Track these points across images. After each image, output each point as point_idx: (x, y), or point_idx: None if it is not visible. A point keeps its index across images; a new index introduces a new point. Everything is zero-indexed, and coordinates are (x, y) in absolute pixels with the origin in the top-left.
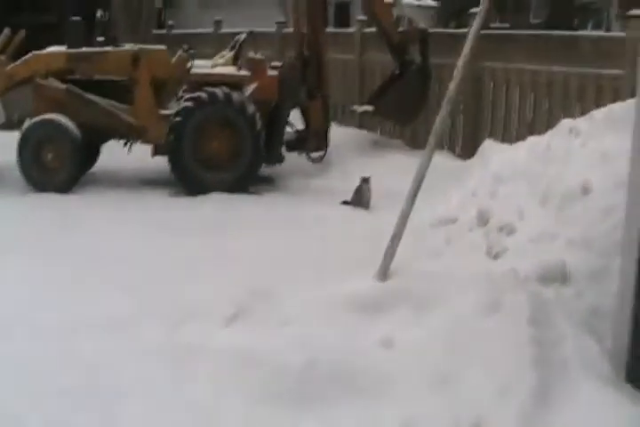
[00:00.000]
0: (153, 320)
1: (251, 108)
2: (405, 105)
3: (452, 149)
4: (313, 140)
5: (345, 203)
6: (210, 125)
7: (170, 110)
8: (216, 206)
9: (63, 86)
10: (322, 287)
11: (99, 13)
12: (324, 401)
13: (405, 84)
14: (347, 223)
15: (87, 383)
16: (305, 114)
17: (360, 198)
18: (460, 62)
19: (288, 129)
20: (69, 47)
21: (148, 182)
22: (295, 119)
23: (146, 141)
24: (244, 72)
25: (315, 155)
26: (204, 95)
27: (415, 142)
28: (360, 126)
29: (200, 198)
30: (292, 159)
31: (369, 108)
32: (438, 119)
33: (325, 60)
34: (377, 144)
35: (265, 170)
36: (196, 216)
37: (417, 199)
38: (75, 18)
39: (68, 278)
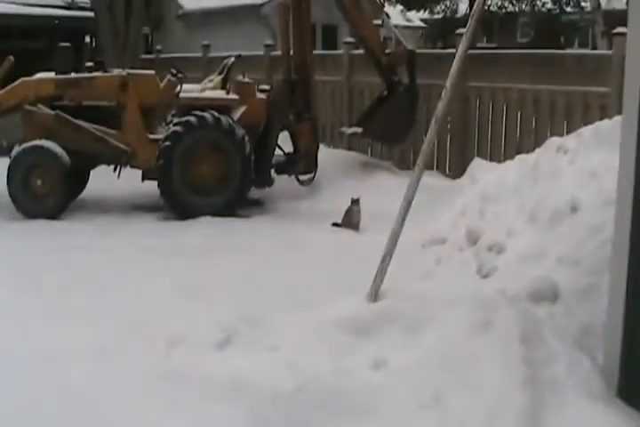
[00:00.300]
0: (140, 346)
1: (240, 132)
2: (393, 126)
3: (441, 169)
4: (302, 163)
5: (335, 225)
6: (199, 149)
7: (159, 135)
8: (205, 231)
9: (52, 112)
10: (312, 310)
11: (87, 39)
12: None
13: (393, 105)
14: (337, 245)
15: (71, 411)
16: (294, 136)
17: (350, 220)
18: (448, 83)
19: (277, 152)
20: (58, 73)
21: (138, 207)
22: (284, 142)
23: (135, 166)
24: (232, 96)
25: (304, 177)
26: (193, 119)
27: (404, 163)
28: (349, 148)
29: (189, 223)
30: (282, 182)
31: (357, 129)
32: (427, 139)
33: (313, 83)
34: (366, 166)
35: (254, 193)
36: (186, 241)
37: (407, 220)
38: (63, 44)
39: (56, 304)
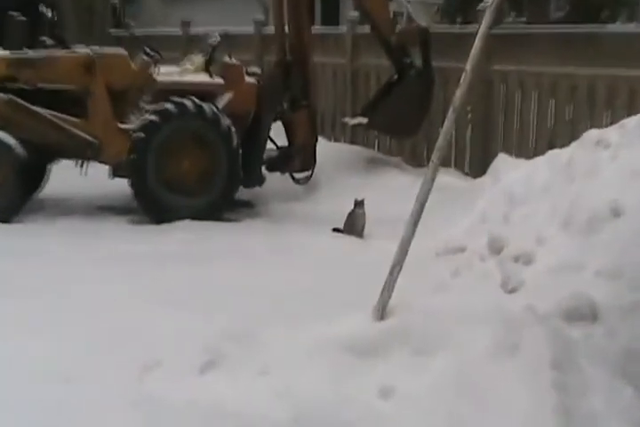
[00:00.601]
0: (111, 370)
1: (225, 122)
2: (404, 116)
3: (459, 167)
4: (298, 159)
5: (336, 230)
6: (178, 142)
7: (131, 125)
8: (186, 236)
9: (4, 97)
10: (309, 328)
11: (43, 9)
12: None
13: (404, 91)
14: (338, 254)
15: None
16: (288, 128)
17: (353, 225)
18: (469, 66)
19: (269, 146)
20: (8, 49)
21: (106, 209)
22: (277, 134)
23: (103, 161)
24: (217, 80)
25: (300, 175)
26: (170, 107)
27: (416, 159)
28: (353, 142)
29: (167, 227)
30: (275, 181)
31: (362, 120)
32: (443, 132)
33: (312, 65)
34: (373, 162)
35: (243, 193)
36: (163, 248)
37: (419, 225)
38: (14, 14)
39: (11, 319)
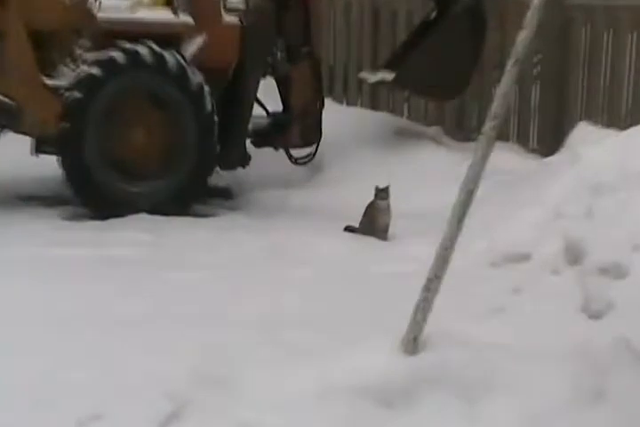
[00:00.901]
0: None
1: (195, 78)
2: (446, 70)
3: (522, 141)
4: (297, 129)
5: (349, 230)
6: (129, 105)
7: (62, 80)
8: (141, 237)
9: None
10: (310, 366)
11: None
12: None
13: (445, 35)
14: (351, 261)
15: None
16: (283, 87)
17: (373, 222)
18: None
19: (256, 111)
20: None
21: (29, 198)
22: (268, 96)
23: (23, 131)
24: (183, 18)
25: (300, 153)
26: (118, 56)
27: (462, 130)
28: (373, 106)
29: (115, 223)
30: (264, 160)
31: (388, 75)
32: (499, 92)
33: None
34: (400, 134)
35: (221, 177)
36: (110, 252)
37: (466, 222)
38: None
39: None
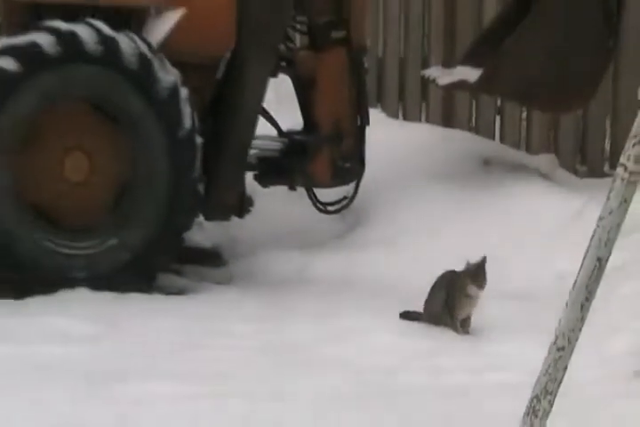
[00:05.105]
0: None
1: (167, 77)
2: (561, 64)
3: None
4: (325, 158)
5: (406, 316)
6: (61, 119)
7: None
8: (79, 327)
9: None
10: None
11: None
12: None
13: (562, 8)
14: (409, 368)
15: None
16: (305, 91)
17: (452, 310)
18: None
19: (263, 128)
20: None
21: None
22: (281, 105)
23: None
24: None
25: (328, 194)
26: (44, 40)
27: (589, 161)
28: (446, 121)
29: (38, 305)
30: (273, 206)
31: (469, 73)
32: None
33: None
34: (489, 166)
35: (205, 232)
36: (28, 353)
37: (593, 305)
38: None
39: None
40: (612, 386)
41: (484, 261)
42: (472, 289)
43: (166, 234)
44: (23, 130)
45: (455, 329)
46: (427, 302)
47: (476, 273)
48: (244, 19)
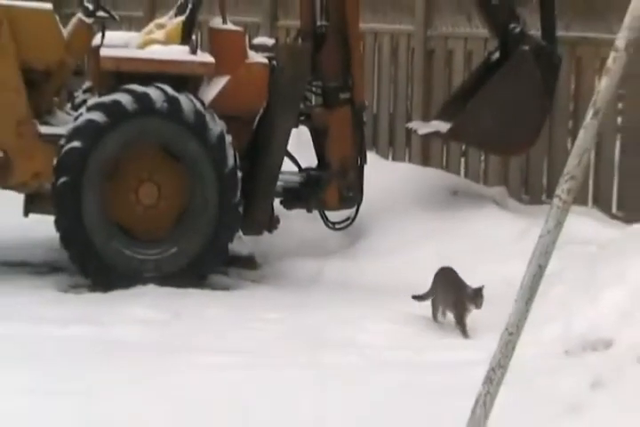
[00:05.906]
0: None
1: (216, 127)
2: (511, 119)
3: (604, 205)
4: (334, 188)
5: (418, 298)
6: (137, 158)
7: (59, 128)
8: (148, 314)
9: None
10: None
11: None
12: None
13: (511, 80)
14: (401, 349)
15: None
16: (319, 138)
17: (456, 311)
18: (623, 37)
19: (287, 166)
20: None
21: (17, 265)
22: (301, 148)
23: (11, 186)
24: (203, 56)
25: (336, 215)
26: (124, 99)
27: (531, 192)
28: (424, 161)
29: (118, 297)
30: (295, 223)
31: (442, 125)
32: (576, 148)
33: (358, 35)
34: (456, 195)
35: (243, 243)
36: (109, 333)
37: (535, 303)
38: None
39: None
40: (547, 362)
41: (481, 288)
42: (472, 307)
43: (215, 244)
44: (109, 167)
45: (464, 333)
46: (437, 288)
47: (476, 295)
48: (273, 85)
